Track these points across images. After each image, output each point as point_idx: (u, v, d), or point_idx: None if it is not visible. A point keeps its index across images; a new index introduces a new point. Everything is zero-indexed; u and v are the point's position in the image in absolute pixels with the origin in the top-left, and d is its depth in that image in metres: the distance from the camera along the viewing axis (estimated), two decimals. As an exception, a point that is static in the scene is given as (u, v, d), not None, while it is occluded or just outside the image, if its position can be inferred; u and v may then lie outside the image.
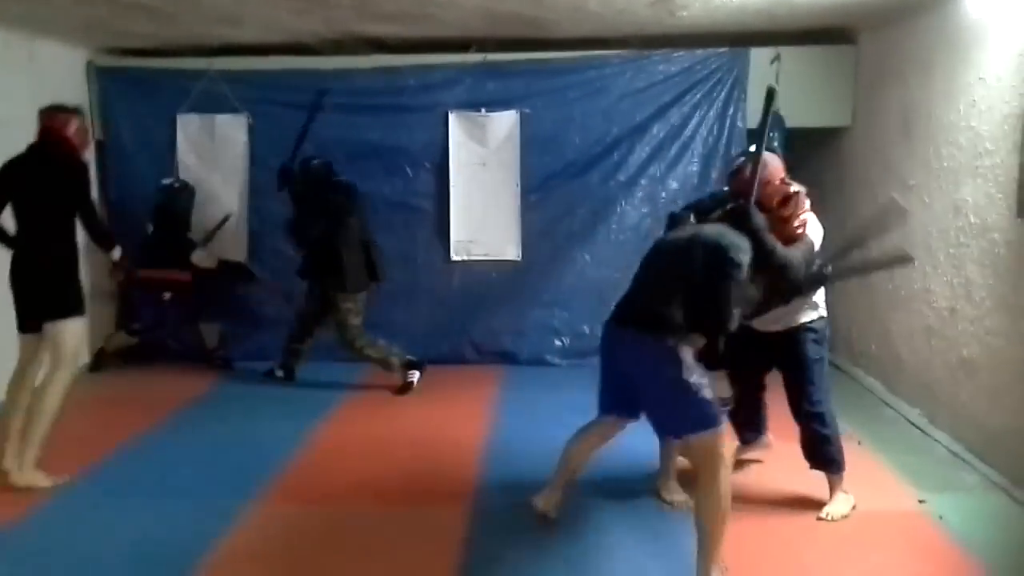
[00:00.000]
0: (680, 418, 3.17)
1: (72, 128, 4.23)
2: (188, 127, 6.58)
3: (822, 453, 3.85)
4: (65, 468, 4.28)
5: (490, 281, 6.68)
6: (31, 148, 4.17)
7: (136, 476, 4.39)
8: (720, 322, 3.13)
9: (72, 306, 4.19)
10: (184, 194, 6.39)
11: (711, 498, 3.11)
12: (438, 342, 6.59)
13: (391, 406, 5.58)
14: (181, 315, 6.37)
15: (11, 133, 4.26)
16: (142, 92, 6.56)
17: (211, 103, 6.51)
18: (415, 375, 5.79)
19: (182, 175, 6.55)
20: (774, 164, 3.70)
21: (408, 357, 5.81)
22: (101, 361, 6.30)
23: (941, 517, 3.82)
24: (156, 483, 4.29)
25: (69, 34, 6.05)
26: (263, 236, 6.63)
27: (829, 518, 3.80)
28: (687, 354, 3.12)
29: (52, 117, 4.20)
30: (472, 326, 6.69)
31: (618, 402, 3.49)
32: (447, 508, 3.97)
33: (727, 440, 3.24)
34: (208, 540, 3.59)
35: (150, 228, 6.30)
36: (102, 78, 6.58)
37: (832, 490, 3.89)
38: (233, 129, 6.57)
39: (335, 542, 3.64)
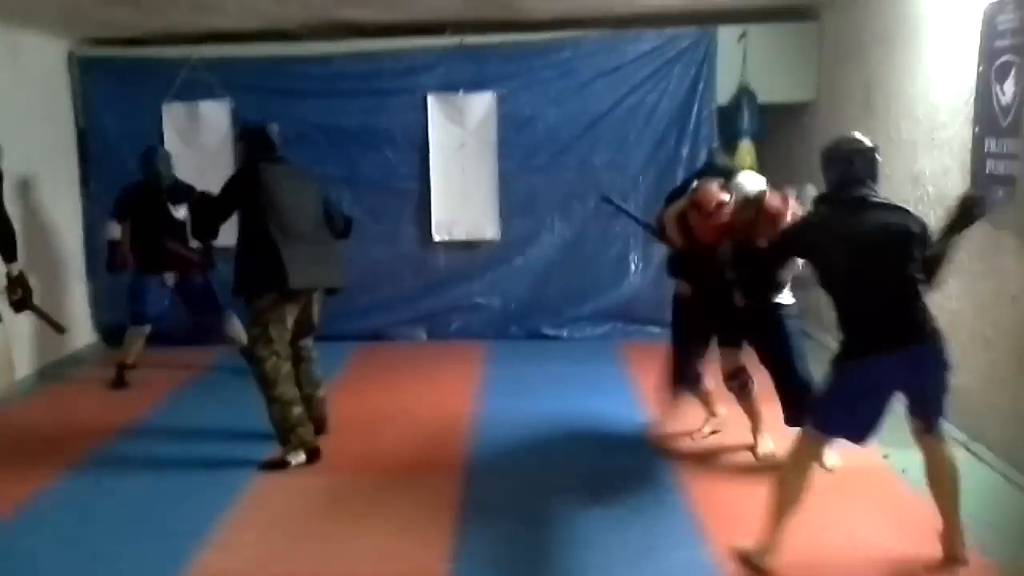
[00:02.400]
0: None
1: None
2: (174, 115, 6.68)
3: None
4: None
5: (472, 259, 6.86)
6: None
7: (145, 451, 4.60)
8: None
9: None
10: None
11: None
12: (422, 319, 6.83)
13: (384, 383, 5.75)
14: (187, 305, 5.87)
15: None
16: (125, 82, 6.64)
17: (194, 90, 6.61)
18: (300, 459, 4.33)
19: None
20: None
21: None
22: (122, 377, 5.74)
23: (904, 471, 4.08)
24: (160, 459, 4.47)
25: (50, 25, 6.12)
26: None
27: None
28: None
29: None
30: (455, 303, 6.89)
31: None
32: (442, 474, 4.19)
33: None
34: (213, 513, 3.77)
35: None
36: (84, 68, 6.65)
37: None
38: (217, 114, 6.67)
39: (338, 507, 3.84)
